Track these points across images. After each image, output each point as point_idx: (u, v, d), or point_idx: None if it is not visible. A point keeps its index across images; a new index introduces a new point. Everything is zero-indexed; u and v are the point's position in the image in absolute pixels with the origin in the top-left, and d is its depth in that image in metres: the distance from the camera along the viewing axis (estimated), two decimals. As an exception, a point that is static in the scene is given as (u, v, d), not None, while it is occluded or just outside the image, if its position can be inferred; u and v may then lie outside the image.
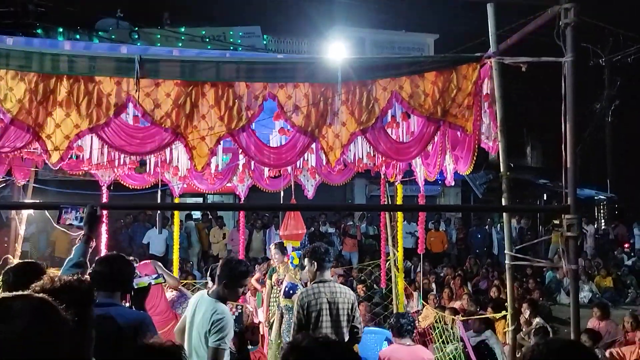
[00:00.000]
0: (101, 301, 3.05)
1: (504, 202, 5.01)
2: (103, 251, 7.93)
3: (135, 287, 3.70)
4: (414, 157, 5.81)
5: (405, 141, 5.74)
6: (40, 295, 1.50)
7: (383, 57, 6.74)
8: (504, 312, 7.82)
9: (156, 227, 12.58)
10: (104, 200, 7.83)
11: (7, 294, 1.44)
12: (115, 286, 3.27)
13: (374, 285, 10.71)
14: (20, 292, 1.48)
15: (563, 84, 4.44)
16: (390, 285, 9.38)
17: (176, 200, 9.04)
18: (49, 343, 1.37)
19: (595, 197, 22.49)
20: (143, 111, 4.67)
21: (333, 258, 4.99)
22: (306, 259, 5.10)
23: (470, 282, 12.19)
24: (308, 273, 6.61)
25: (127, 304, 3.69)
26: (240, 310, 4.56)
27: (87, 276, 3.10)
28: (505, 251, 5.00)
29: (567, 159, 4.50)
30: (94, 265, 3.33)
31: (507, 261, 4.98)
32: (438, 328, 7.73)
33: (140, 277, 3.93)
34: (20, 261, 2.99)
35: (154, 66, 4.65)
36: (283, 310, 6.44)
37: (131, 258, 6.13)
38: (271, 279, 7.42)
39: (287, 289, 6.40)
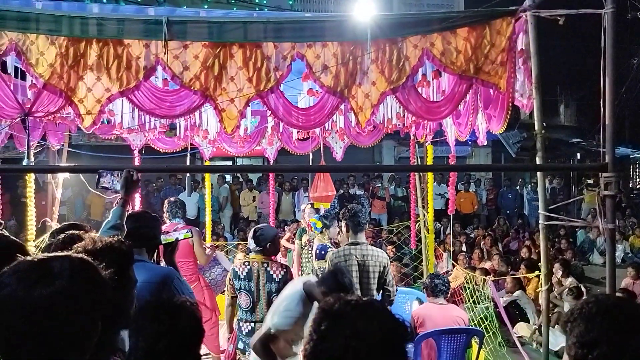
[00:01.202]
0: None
1: (538, 161, 4.89)
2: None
3: (163, 242, 3.76)
4: (446, 117, 5.70)
5: (436, 100, 5.63)
6: (80, 255, 1.52)
7: (413, 13, 6.56)
8: (536, 272, 7.80)
9: (187, 190, 12.78)
10: (137, 163, 7.94)
11: (46, 255, 1.46)
12: (142, 242, 3.33)
13: (404, 246, 10.73)
14: (59, 253, 1.49)
15: (603, 37, 4.25)
16: (420, 246, 9.38)
17: (206, 164, 9.12)
18: (89, 302, 1.39)
19: (631, 156, 21.90)
20: (172, 74, 4.66)
21: (366, 220, 4.97)
22: (342, 222, 5.11)
23: (500, 243, 12.12)
24: (342, 235, 6.65)
25: (160, 261, 3.77)
26: (285, 270, 4.60)
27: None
28: (540, 211, 4.92)
29: (606, 116, 4.34)
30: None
31: (540, 221, 4.89)
32: (469, 288, 7.73)
33: (168, 234, 3.99)
34: (66, 223, 3.06)
35: (182, 28, 4.61)
36: (318, 273, 6.50)
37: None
38: (301, 239, 7.48)
39: (318, 250, 6.44)
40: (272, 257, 4.72)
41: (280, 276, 4.52)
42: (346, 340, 1.40)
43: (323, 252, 6.31)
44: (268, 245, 4.64)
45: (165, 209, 6.34)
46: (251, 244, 4.63)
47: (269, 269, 4.55)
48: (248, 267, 4.59)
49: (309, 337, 1.49)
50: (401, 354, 1.48)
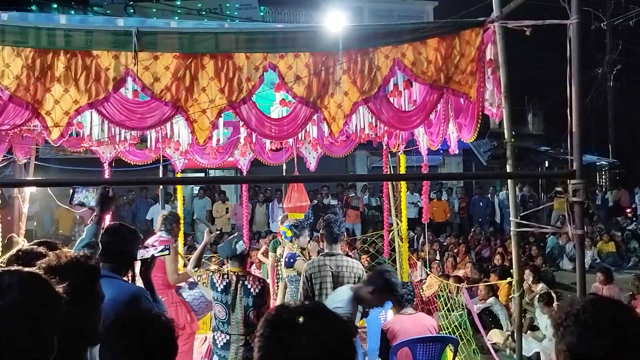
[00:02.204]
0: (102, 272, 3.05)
1: (508, 169, 4.97)
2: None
3: (138, 258, 3.69)
4: (417, 126, 5.74)
5: (408, 110, 5.68)
6: (31, 270, 1.48)
7: (384, 24, 6.62)
8: (508, 279, 7.90)
9: (159, 203, 12.61)
10: (106, 176, 7.81)
11: None
12: (115, 257, 3.26)
13: (378, 255, 10.76)
14: (10, 268, 1.45)
15: (568, 47, 4.36)
16: (394, 255, 9.42)
17: (178, 176, 9.02)
18: (41, 317, 1.35)
19: (597, 163, 22.44)
20: (142, 85, 4.60)
21: (341, 231, 4.96)
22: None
23: (473, 251, 12.24)
24: (311, 244, 6.61)
25: (135, 277, 3.69)
26: (262, 285, 4.55)
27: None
28: (511, 218, 4.98)
29: (573, 123, 4.43)
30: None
31: (512, 228, 4.96)
32: (442, 296, 7.78)
33: (146, 249, 3.91)
34: (36, 241, 2.96)
35: (152, 39, 4.57)
36: (286, 281, 6.46)
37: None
38: (275, 252, 7.43)
39: (287, 259, 6.41)
40: (248, 269, 4.70)
41: (257, 290, 4.48)
42: (302, 349, 1.37)
43: (292, 260, 6.28)
44: (245, 255, 4.64)
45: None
46: (239, 247, 4.59)
47: (246, 282, 4.51)
48: (227, 280, 4.54)
49: (259, 353, 1.45)
50: (353, 350, 1.46)
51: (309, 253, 6.61)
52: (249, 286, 4.50)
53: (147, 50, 4.57)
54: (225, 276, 4.58)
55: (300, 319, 1.42)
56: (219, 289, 4.55)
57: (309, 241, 6.61)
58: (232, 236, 4.85)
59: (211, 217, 13.97)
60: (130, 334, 2.06)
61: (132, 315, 2.20)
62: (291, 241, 6.48)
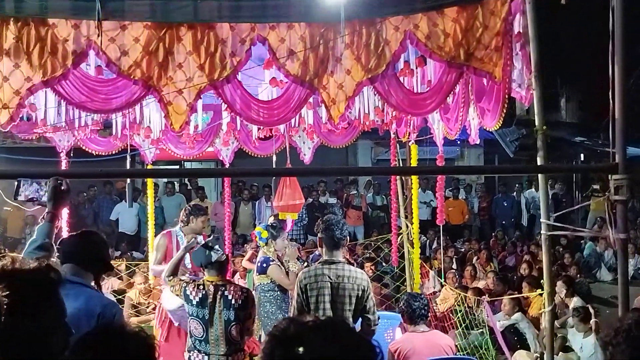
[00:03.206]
0: (71, 278, 3.09)
1: (539, 162, 4.97)
2: (64, 229, 7.92)
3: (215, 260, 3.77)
4: (432, 111, 5.75)
5: (421, 92, 5.68)
6: None
7: (394, -10, 6.60)
8: (538, 291, 7.92)
9: (125, 201, 12.57)
10: (64, 168, 7.78)
11: None
12: (87, 264, 3.27)
13: (384, 263, 10.77)
14: None
15: (611, 18, 4.35)
16: (403, 263, 9.41)
17: (149, 168, 9.00)
18: None
19: (642, 156, 22.49)
20: (107, 60, 4.61)
21: (344, 234, 4.92)
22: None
23: (495, 258, 12.26)
24: (289, 250, 6.57)
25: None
26: (245, 295, 4.55)
27: (54, 259, 3.09)
28: (542, 219, 4.99)
29: (615, 109, 4.43)
30: (69, 238, 3.35)
31: (543, 231, 4.97)
32: (460, 311, 7.80)
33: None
34: None
35: (119, 5, 4.59)
36: (258, 290, 6.41)
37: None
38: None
39: (259, 263, 6.40)
40: (229, 278, 4.70)
41: (240, 302, 4.48)
42: None
43: (264, 265, 6.28)
44: (223, 262, 4.63)
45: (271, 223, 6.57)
46: (214, 254, 4.60)
47: (226, 292, 4.50)
48: (203, 291, 4.54)
49: None
50: None
51: (282, 260, 6.56)
52: (230, 297, 4.50)
53: (113, 18, 4.57)
54: (201, 287, 4.58)
55: (311, 335, 1.40)
56: (194, 302, 4.55)
57: (286, 246, 6.57)
58: (206, 240, 4.85)
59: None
60: (104, 350, 2.04)
61: (107, 329, 2.19)
62: (266, 243, 6.47)
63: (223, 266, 4.72)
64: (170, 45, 4.67)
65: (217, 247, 4.69)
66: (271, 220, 7.50)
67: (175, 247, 6.27)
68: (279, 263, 6.31)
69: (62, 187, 3.39)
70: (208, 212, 7.25)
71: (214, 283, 4.57)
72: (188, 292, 4.60)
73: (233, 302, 4.49)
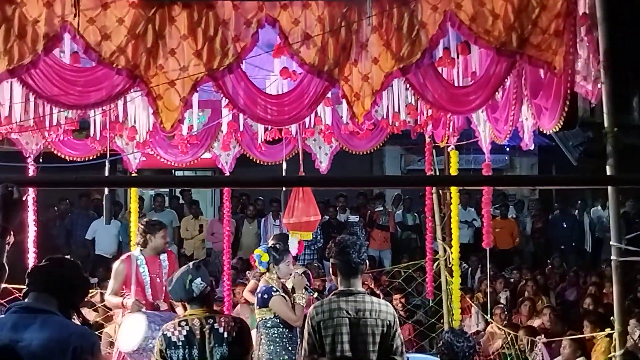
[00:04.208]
0: (35, 305, 3.12)
1: (609, 172, 4.93)
2: (31, 249, 7.96)
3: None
4: (477, 109, 5.73)
5: (464, 85, 5.66)
6: None
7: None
8: (607, 331, 7.81)
9: (103, 217, 12.61)
10: (30, 174, 7.83)
11: None
12: (62, 291, 3.29)
13: (416, 295, 10.71)
14: None
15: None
16: (439, 296, 9.35)
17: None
18: None
19: None
20: (85, 45, 4.65)
21: (363, 259, 4.90)
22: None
23: (553, 291, 12.16)
24: (295, 279, 6.55)
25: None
26: (240, 325, 4.54)
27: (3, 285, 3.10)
28: (611, 242, 4.93)
29: None
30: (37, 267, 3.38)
31: (613, 257, 4.91)
32: (510, 355, 7.72)
33: None
34: None
35: (100, -21, 4.60)
36: (260, 327, 6.38)
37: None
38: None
39: (259, 294, 6.37)
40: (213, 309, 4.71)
41: (233, 334, 4.46)
42: None
43: (266, 297, 6.24)
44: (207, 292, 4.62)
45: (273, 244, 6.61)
46: (195, 287, 4.59)
47: (216, 325, 4.49)
48: (187, 327, 4.53)
49: None
50: None
51: (286, 288, 6.54)
52: (221, 330, 4.47)
53: (92, -5, 4.60)
54: (184, 323, 4.56)
55: None
56: (179, 344, 4.52)
57: (292, 274, 6.54)
58: (180, 270, 4.84)
59: (179, 238, 13.99)
60: None
61: None
62: (268, 269, 6.45)
63: (208, 296, 4.71)
64: (161, 27, 4.70)
65: (198, 279, 4.67)
66: (272, 240, 7.47)
67: (134, 274, 6.48)
68: (283, 294, 6.28)
69: (14, 196, 3.40)
70: (165, 225, 7.41)
71: (198, 316, 4.56)
72: (169, 335, 4.57)
73: (226, 335, 4.46)
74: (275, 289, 6.26)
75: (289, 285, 6.56)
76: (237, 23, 4.77)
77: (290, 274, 6.51)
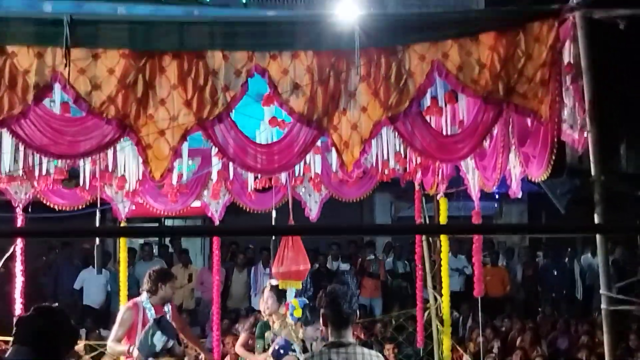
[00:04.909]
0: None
1: (597, 220, 4.94)
2: (17, 300, 7.87)
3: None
4: (465, 157, 5.75)
5: (452, 134, 5.69)
6: None
7: (418, 13, 6.71)
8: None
9: (93, 267, 12.52)
10: (19, 226, 7.79)
11: None
12: (42, 345, 3.26)
13: (407, 344, 10.62)
14: None
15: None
16: (431, 345, 9.28)
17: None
18: None
19: None
20: (75, 95, 4.65)
21: (353, 309, 4.85)
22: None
23: (544, 340, 12.09)
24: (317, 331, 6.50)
25: None
26: None
27: None
28: (601, 291, 4.93)
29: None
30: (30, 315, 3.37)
31: (603, 305, 4.90)
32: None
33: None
34: None
35: (91, 30, 4.67)
36: None
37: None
38: (263, 339, 7.29)
39: (277, 347, 6.30)
40: None
41: None
42: None
43: (282, 352, 6.17)
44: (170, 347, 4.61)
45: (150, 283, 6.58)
46: (156, 342, 4.58)
47: None
48: None
49: None
50: None
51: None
52: None
53: (83, 45, 4.63)
54: None
55: None
56: None
57: (318, 337, 6.47)
58: (147, 327, 4.83)
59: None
60: None
61: None
62: (295, 324, 6.40)
63: (171, 350, 4.68)
64: (152, 77, 4.71)
65: (158, 333, 4.64)
66: (267, 292, 7.41)
67: (142, 322, 6.34)
68: (299, 354, 6.21)
69: None
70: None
71: None
72: None
73: None
74: (294, 348, 6.21)
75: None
76: (227, 73, 4.79)
77: (316, 340, 6.44)
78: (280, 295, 7.32)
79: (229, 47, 4.79)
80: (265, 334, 7.25)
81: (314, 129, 4.96)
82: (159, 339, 4.58)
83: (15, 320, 3.53)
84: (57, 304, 4.84)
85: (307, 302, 6.54)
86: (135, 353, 6.12)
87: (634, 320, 12.45)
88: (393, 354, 9.83)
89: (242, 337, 8.48)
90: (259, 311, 8.41)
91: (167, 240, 15.70)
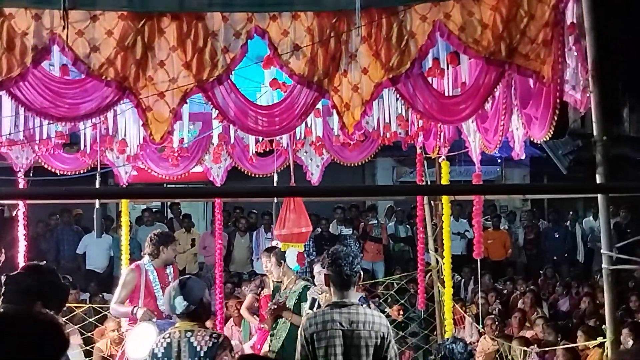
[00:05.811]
0: None
1: (598, 180, 4.94)
2: (21, 264, 7.91)
3: None
4: (467, 118, 5.74)
5: (453, 95, 5.67)
6: None
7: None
8: (599, 340, 7.81)
9: (94, 232, 12.55)
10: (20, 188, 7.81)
11: None
12: (28, 303, 3.27)
13: (409, 307, 10.68)
14: None
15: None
16: (432, 307, 9.34)
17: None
18: None
19: None
20: (74, 57, 4.65)
21: (356, 270, 4.88)
22: (316, 269, 5.05)
23: (545, 302, 12.16)
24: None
25: None
26: (215, 340, 4.56)
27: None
28: (602, 250, 4.94)
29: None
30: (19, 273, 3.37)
31: (604, 265, 4.92)
32: (503, 365, 7.72)
33: None
34: None
35: (89, -9, 4.62)
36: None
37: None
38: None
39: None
40: (202, 323, 4.71)
41: (206, 348, 4.48)
42: None
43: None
44: (197, 306, 4.64)
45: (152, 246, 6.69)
46: (177, 305, 4.61)
47: (192, 339, 4.51)
48: (167, 340, 4.56)
49: None
50: None
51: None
52: (195, 344, 4.50)
53: (81, 7, 4.62)
54: (167, 336, 4.60)
55: None
56: (159, 355, 4.56)
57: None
58: (171, 284, 4.87)
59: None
60: None
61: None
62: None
63: (195, 312, 4.72)
64: (150, 39, 4.70)
65: (179, 297, 4.67)
66: (265, 257, 7.47)
67: (145, 284, 6.51)
68: (310, 312, 6.32)
69: (4, 214, 3.44)
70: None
71: (179, 329, 4.59)
72: (154, 346, 4.63)
73: (198, 349, 4.49)
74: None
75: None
76: (226, 34, 4.78)
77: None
78: (279, 257, 7.37)
79: (228, 8, 4.78)
80: (276, 296, 7.33)
81: (314, 91, 4.95)
82: (179, 303, 4.62)
83: (3, 279, 3.53)
84: (45, 262, 4.89)
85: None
86: (140, 314, 6.19)
87: (636, 283, 12.51)
88: (398, 314, 9.90)
89: (248, 299, 8.54)
90: (263, 274, 8.48)
91: (168, 206, 15.76)
